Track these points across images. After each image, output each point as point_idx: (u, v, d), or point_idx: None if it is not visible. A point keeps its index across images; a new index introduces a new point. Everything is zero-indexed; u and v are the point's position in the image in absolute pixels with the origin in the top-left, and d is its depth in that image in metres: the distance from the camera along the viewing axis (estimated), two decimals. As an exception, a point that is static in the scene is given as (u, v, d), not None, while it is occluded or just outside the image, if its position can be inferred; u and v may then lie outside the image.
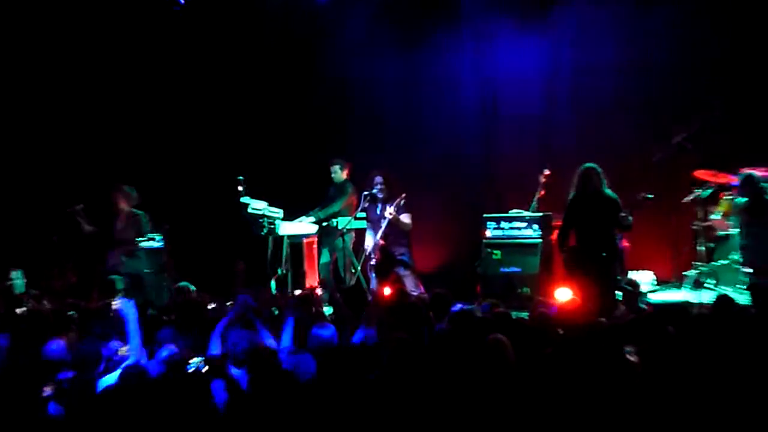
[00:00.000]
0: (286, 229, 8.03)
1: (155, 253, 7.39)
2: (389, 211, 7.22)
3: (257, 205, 7.93)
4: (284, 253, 7.96)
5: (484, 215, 8.09)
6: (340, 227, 7.91)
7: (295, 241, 8.07)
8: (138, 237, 7.38)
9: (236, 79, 9.26)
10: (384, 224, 7.31)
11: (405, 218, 7.33)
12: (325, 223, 8.12)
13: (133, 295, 6.19)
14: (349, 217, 7.84)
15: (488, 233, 8.01)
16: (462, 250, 8.63)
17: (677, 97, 7.93)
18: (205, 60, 9.07)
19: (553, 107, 8.59)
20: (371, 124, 9.19)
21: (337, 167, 8.25)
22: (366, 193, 7.63)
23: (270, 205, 8.02)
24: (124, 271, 7.43)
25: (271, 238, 8.04)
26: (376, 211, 7.63)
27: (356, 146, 8.85)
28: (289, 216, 8.11)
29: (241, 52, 9.11)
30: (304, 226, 8.13)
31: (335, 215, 8.02)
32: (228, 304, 6.01)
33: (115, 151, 9.03)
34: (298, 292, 7.11)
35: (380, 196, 7.52)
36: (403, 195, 7.31)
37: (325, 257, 8.21)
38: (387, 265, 7.21)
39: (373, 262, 7.47)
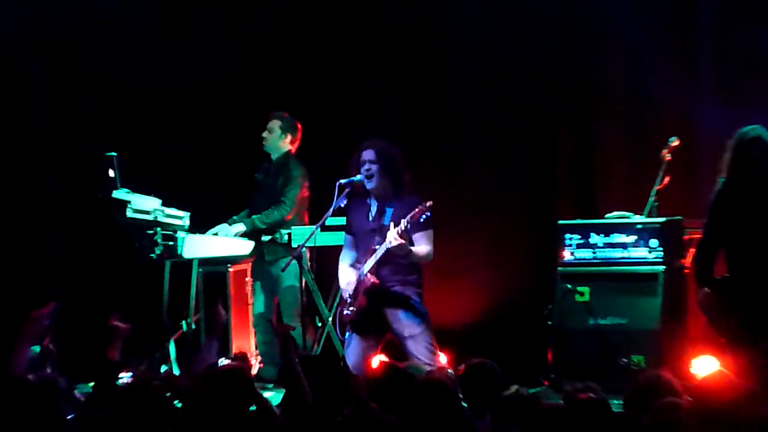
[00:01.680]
0: (196, 247, 6.86)
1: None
2: (396, 232, 5.87)
3: (143, 205, 6.87)
4: (193, 291, 7.08)
5: (560, 223, 7.04)
6: (293, 245, 6.62)
7: (213, 269, 7.36)
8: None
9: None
10: (381, 249, 5.99)
11: (423, 246, 6.07)
12: (265, 237, 6.83)
13: None
14: (307, 227, 6.47)
15: (567, 255, 6.99)
16: (517, 288, 8.10)
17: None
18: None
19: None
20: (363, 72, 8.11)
21: (276, 125, 7.17)
22: (343, 182, 6.17)
23: (167, 204, 6.76)
24: None
25: (168, 266, 6.90)
26: (365, 216, 6.20)
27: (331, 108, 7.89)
28: (203, 223, 7.02)
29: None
30: (230, 243, 6.97)
31: (279, 224, 6.92)
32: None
33: None
34: (223, 362, 5.90)
35: (371, 185, 6.10)
36: (428, 203, 5.96)
37: (261, 301, 7.27)
38: (379, 316, 6.01)
39: (350, 311, 6.15)
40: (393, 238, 5.80)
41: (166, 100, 8.42)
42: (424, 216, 5.89)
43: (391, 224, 5.89)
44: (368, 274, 6.00)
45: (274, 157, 7.27)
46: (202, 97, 8.38)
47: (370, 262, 5.96)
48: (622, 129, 7.97)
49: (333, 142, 7.85)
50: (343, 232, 6.63)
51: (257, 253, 7.38)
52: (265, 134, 7.24)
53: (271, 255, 7.19)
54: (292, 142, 7.31)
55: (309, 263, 7.13)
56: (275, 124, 7.30)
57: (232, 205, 7.61)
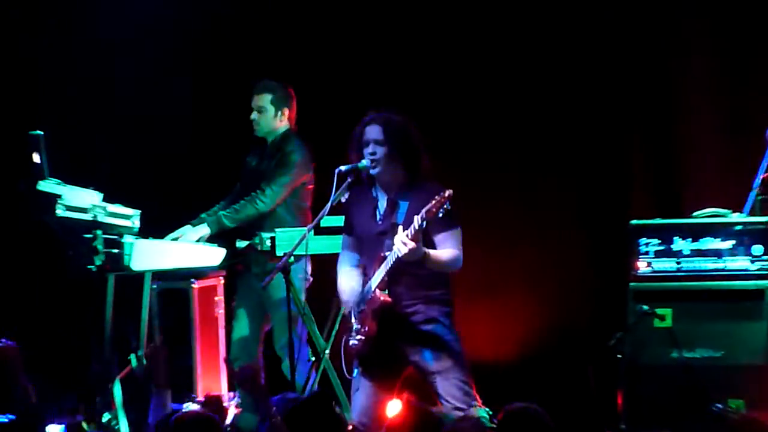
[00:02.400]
0: (150, 257, 6.55)
1: None
2: (406, 234, 5.33)
3: (79, 200, 6.46)
4: (144, 315, 6.60)
5: (633, 223, 6.66)
6: (277, 253, 6.42)
7: (173, 286, 6.97)
8: None
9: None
10: (391, 257, 5.42)
11: (446, 249, 5.56)
12: (241, 243, 6.59)
13: None
14: (299, 229, 6.38)
15: (642, 266, 6.59)
16: (575, 310, 7.60)
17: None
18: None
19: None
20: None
21: (266, 101, 6.75)
22: (344, 169, 5.57)
23: (111, 200, 6.50)
24: None
25: (111, 281, 6.54)
26: (370, 214, 5.65)
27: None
28: (160, 225, 6.66)
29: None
30: (195, 250, 6.66)
31: (262, 220, 6.59)
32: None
33: None
34: (189, 408, 6.29)
35: (376, 170, 5.51)
36: (447, 192, 5.33)
37: (244, 325, 6.86)
38: (396, 347, 5.61)
39: (358, 339, 5.55)
40: (401, 242, 5.19)
41: (107, 57, 7.90)
42: (443, 209, 5.24)
43: (401, 227, 5.30)
44: (377, 291, 5.32)
45: (270, 139, 6.77)
46: (161, 56, 7.88)
47: (379, 275, 5.32)
48: (710, 110, 7.60)
49: (333, 115, 7.25)
50: (345, 236, 5.97)
51: (239, 262, 6.95)
52: (254, 116, 6.73)
53: (259, 266, 6.62)
54: (289, 117, 6.79)
55: (307, 277, 6.63)
56: (265, 100, 6.77)
57: (204, 200, 7.02)
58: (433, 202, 5.33)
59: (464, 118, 8.05)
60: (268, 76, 6.96)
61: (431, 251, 5.43)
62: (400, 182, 5.60)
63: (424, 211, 5.30)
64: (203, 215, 6.86)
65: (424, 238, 5.38)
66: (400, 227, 5.44)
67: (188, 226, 6.70)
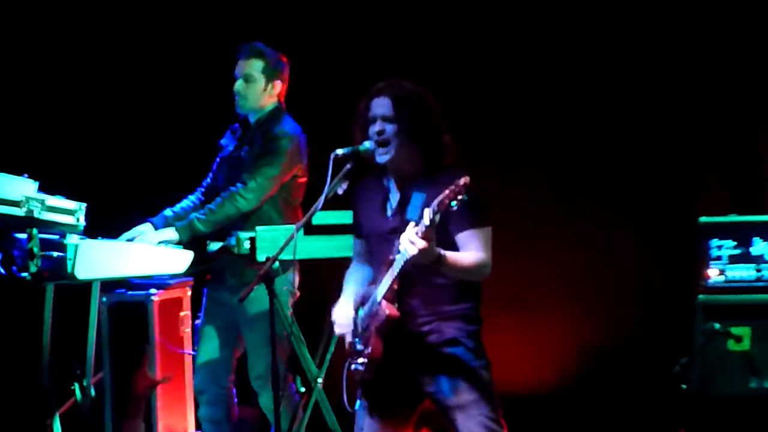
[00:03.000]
0: (98, 262, 6.01)
1: None
2: (415, 231, 4.97)
3: (9, 191, 6.00)
4: (92, 334, 6.21)
5: (702, 221, 6.36)
6: (258, 258, 5.93)
7: (126, 298, 6.64)
8: None
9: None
10: (399, 260, 5.06)
11: (469, 252, 5.27)
12: (214, 245, 6.08)
13: None
14: (284, 227, 6.02)
15: (713, 274, 6.28)
16: (629, 328, 7.19)
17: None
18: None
19: None
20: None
21: (256, 68, 6.25)
22: (341, 152, 5.12)
23: (50, 190, 6.00)
24: None
25: (50, 292, 6.14)
26: (379, 208, 5.33)
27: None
28: (109, 223, 6.20)
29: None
30: (155, 254, 6.14)
31: (237, 222, 6.16)
32: None
33: None
34: None
35: (387, 157, 5.20)
36: (463, 180, 5.00)
37: (213, 349, 6.37)
38: (408, 374, 5.17)
39: (361, 363, 5.20)
40: (409, 241, 4.66)
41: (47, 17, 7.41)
42: (457, 201, 4.71)
43: (411, 224, 4.75)
44: (383, 303, 4.77)
45: (254, 118, 6.17)
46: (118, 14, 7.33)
47: (386, 282, 4.80)
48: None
49: (333, 88, 7.01)
50: (343, 235, 5.91)
51: (209, 270, 6.45)
52: (239, 87, 6.14)
53: (235, 275, 6.09)
54: (280, 92, 6.23)
55: (293, 289, 6.05)
56: (255, 67, 6.18)
57: (167, 189, 6.52)
58: (447, 191, 4.73)
59: (494, 94, 7.76)
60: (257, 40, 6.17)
61: (449, 253, 4.86)
62: (416, 169, 5.04)
63: (435, 202, 4.74)
64: (167, 213, 6.21)
65: (446, 238, 4.86)
66: (411, 223, 4.83)
67: (148, 225, 5.98)
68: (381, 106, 5.02)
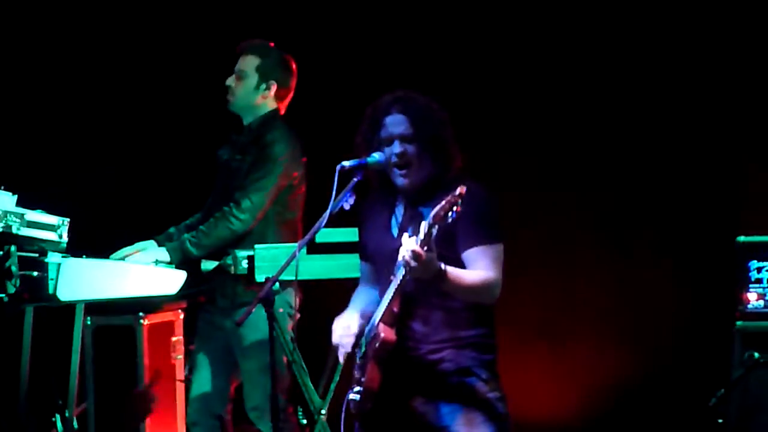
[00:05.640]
0: (82, 283, 5.86)
1: None
2: (413, 242, 4.88)
3: None
4: (75, 360, 6.13)
5: (740, 240, 6.26)
6: (257, 278, 5.77)
7: (114, 322, 6.57)
8: None
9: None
10: (398, 277, 4.89)
11: (477, 271, 5.20)
12: (208, 265, 5.97)
13: None
14: (286, 245, 5.89)
15: (753, 299, 6.13)
16: (660, 357, 7.06)
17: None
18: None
19: None
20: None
21: (250, 65, 6.11)
22: (347, 164, 5.03)
23: (30, 204, 5.81)
24: None
25: (29, 315, 5.98)
26: (384, 226, 5.27)
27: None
28: (95, 240, 5.93)
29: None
30: (144, 273, 5.97)
31: (232, 244, 6.01)
32: None
33: None
34: None
35: (405, 181, 5.26)
36: (459, 190, 4.94)
37: (206, 378, 6.17)
38: (404, 410, 5.01)
39: (357, 393, 5.05)
40: (408, 253, 4.50)
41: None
42: (453, 212, 4.60)
43: (405, 235, 4.66)
44: (380, 326, 4.64)
45: (246, 121, 5.96)
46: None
47: (384, 302, 4.65)
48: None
49: (334, 95, 6.94)
50: (350, 254, 5.71)
51: (203, 292, 6.28)
52: (230, 81, 5.99)
53: (227, 297, 5.90)
54: (278, 96, 5.99)
55: (292, 312, 5.79)
56: (249, 63, 6.03)
57: (162, 204, 6.71)
58: (443, 202, 4.63)
59: (514, 107, 7.60)
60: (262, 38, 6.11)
61: (451, 269, 4.66)
62: (424, 184, 4.86)
63: (431, 214, 4.62)
64: (171, 230, 6.14)
65: (454, 255, 4.70)
66: (404, 235, 4.74)
67: (151, 242, 5.92)
68: (398, 124, 4.86)
